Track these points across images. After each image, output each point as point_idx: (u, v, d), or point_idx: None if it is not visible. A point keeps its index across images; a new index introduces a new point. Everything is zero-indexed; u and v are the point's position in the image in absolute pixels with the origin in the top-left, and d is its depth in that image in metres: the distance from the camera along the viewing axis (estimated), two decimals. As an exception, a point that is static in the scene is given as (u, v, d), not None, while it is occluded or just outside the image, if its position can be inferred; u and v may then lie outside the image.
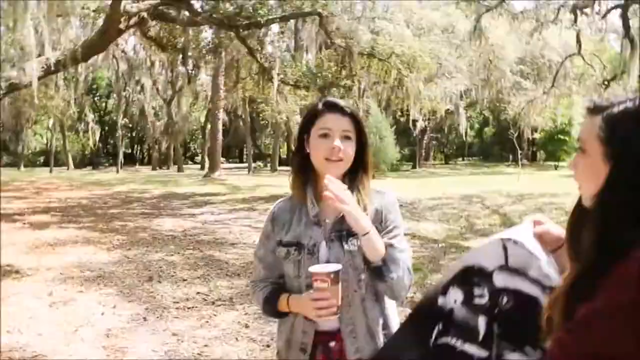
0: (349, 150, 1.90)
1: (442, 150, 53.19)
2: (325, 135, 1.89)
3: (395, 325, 1.99)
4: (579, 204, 1.31)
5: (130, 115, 40.17)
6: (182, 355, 4.57)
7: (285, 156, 47.38)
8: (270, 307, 1.99)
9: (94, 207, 14.92)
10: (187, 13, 12.24)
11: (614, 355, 1.02)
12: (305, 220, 1.95)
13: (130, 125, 44.60)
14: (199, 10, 12.27)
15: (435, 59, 20.57)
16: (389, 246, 1.87)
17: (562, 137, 32.82)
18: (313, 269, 1.78)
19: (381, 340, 1.92)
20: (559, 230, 1.51)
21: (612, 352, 1.02)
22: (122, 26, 10.84)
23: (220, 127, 27.65)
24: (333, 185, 1.75)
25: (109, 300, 6.02)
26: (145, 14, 10.92)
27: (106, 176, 29.91)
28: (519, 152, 26.67)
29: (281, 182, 17.96)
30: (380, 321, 1.94)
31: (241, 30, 13.27)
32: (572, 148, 33.97)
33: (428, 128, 39.14)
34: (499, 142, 47.07)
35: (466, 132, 44.16)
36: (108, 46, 12.87)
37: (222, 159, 31.96)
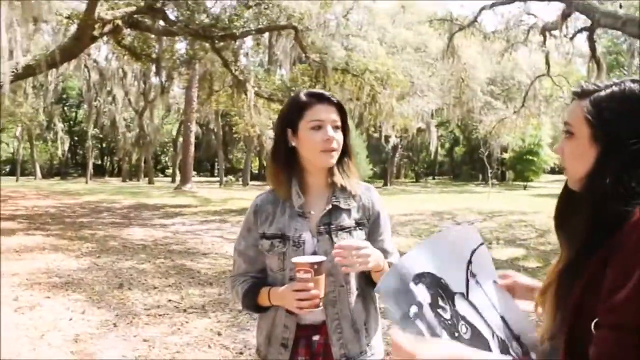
0: (340, 139, 1.91)
1: (413, 169, 53.65)
2: (317, 127, 1.87)
3: (376, 321, 2.00)
4: (565, 189, 1.35)
5: (100, 126, 39.61)
6: (153, 361, 4.51)
7: (257, 171, 47.28)
8: (251, 301, 1.94)
9: (62, 215, 14.64)
10: (162, 23, 12.18)
11: None
12: (290, 213, 1.93)
13: (101, 136, 44.00)
14: (175, 20, 12.21)
15: (407, 77, 20.86)
16: (388, 263, 1.89)
17: (530, 157, 33.43)
18: (296, 259, 1.76)
19: (364, 335, 1.93)
20: (528, 280, 1.56)
21: None
22: (96, 33, 10.74)
23: (192, 139, 27.45)
24: (344, 252, 1.72)
25: (77, 306, 5.90)
26: (119, 22, 10.83)
27: (75, 186, 29.43)
28: (489, 171, 27.06)
29: (253, 196, 17.84)
30: (364, 316, 1.94)
31: (216, 42, 13.26)
32: (540, 168, 34.69)
33: (400, 146, 39.51)
34: (469, 162, 47.78)
35: (437, 151, 44.77)
36: (81, 53, 12.70)
37: (193, 173, 31.68)
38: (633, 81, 1.21)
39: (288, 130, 1.92)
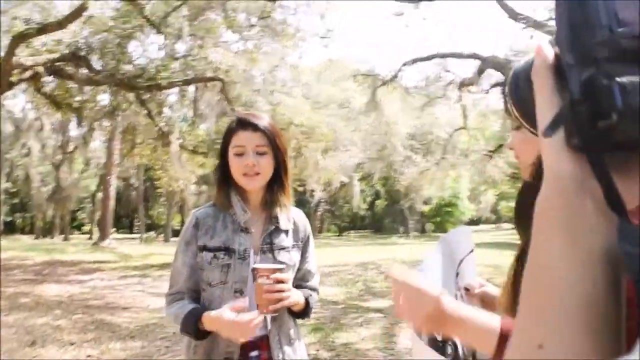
0: (264, 164, 1.94)
1: (336, 223, 54.03)
2: (240, 153, 1.93)
3: (299, 331, 2.09)
4: (522, 186, 1.41)
5: (14, 180, 37.66)
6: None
7: (178, 227, 46.19)
8: (191, 324, 1.84)
9: (-34, 273, 13.65)
10: (86, 71, 11.90)
11: None
12: (233, 227, 1.95)
13: (13, 191, 41.77)
14: (99, 69, 11.96)
15: (332, 131, 21.30)
16: (309, 297, 2.05)
17: (449, 209, 34.61)
18: (258, 265, 1.82)
19: (298, 348, 2.00)
20: (495, 291, 1.60)
21: None
22: (13, 79, 10.35)
23: (112, 193, 26.59)
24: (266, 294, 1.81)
25: (-15, 366, 5.45)
26: (41, 69, 10.50)
27: (-19, 244, 27.63)
28: (410, 221, 27.68)
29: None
30: (294, 329, 2.04)
31: (141, 93, 13.08)
32: (459, 220, 35.90)
33: (322, 200, 39.83)
34: (390, 215, 48.65)
35: (359, 205, 45.42)
36: (-3, 100, 12.19)
37: (112, 230, 30.49)
38: None
39: (226, 155, 2.01)
